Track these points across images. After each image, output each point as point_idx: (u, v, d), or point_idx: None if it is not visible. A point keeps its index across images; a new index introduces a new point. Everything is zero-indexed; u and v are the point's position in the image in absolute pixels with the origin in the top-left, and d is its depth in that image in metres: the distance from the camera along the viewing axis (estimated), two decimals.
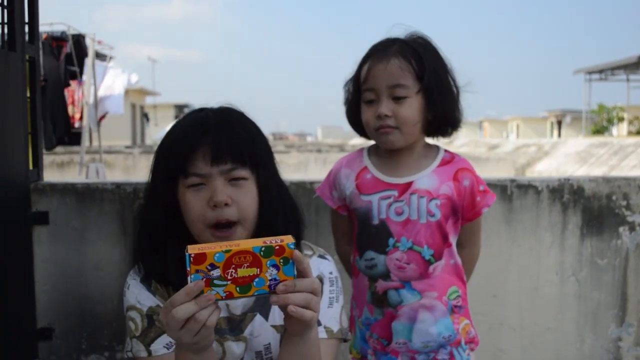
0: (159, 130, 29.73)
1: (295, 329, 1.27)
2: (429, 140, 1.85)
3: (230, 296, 1.16)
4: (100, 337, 2.34)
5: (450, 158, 1.78)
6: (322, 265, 1.56)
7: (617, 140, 17.75)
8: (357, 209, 1.76)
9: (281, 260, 1.17)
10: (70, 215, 2.29)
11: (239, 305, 1.51)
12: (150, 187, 1.53)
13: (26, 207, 2.24)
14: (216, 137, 1.41)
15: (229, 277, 1.15)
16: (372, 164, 1.78)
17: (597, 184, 2.43)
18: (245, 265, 1.15)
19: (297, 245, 1.54)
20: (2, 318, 2.08)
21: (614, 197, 2.43)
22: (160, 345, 1.45)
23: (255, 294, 1.17)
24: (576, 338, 2.46)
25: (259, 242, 1.17)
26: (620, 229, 2.44)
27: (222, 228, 1.42)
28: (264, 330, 1.51)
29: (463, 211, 1.76)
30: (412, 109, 1.67)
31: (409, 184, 1.71)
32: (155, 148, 1.53)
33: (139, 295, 1.49)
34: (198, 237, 1.45)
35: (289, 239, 1.19)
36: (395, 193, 1.72)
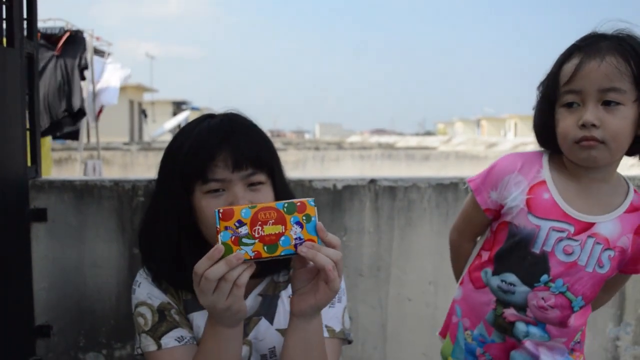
0: (156, 127, 29.71)
1: (304, 308, 1.30)
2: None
3: (258, 256, 1.21)
4: (98, 334, 2.33)
5: (639, 204, 1.51)
6: None
7: None
8: (516, 225, 1.51)
9: (304, 218, 1.22)
10: (68, 212, 2.29)
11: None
12: (161, 192, 1.51)
13: (24, 204, 2.23)
14: (235, 143, 1.41)
15: (256, 235, 1.20)
16: (553, 182, 1.49)
17: None
18: (271, 222, 1.20)
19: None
20: (0, 315, 2.07)
21: None
22: (172, 338, 1.46)
23: (282, 253, 1.21)
24: None
25: (281, 201, 1.24)
26: None
27: None
28: (268, 334, 1.51)
29: (627, 264, 1.55)
30: (626, 120, 1.37)
31: (590, 225, 1.46)
32: (154, 145, 1.53)
33: (150, 292, 1.51)
34: (212, 242, 1.43)
35: (309, 198, 1.25)
36: (572, 229, 1.46)
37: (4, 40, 2.13)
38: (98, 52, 7.40)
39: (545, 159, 1.53)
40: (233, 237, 1.20)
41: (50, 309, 2.32)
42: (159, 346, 1.45)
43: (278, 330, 1.51)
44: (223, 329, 1.31)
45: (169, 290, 1.51)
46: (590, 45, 1.40)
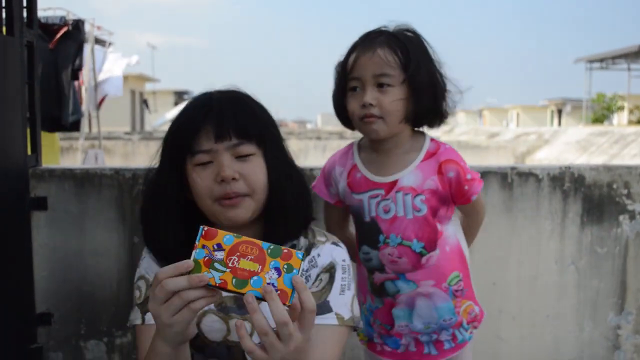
0: (158, 116, 29.68)
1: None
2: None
3: (223, 285, 1.14)
4: (99, 322, 2.33)
5: (435, 149, 1.78)
6: (335, 252, 1.55)
7: (618, 129, 17.74)
8: (351, 206, 1.83)
9: (285, 266, 1.14)
10: (68, 200, 2.29)
11: None
12: (158, 171, 1.54)
13: (24, 193, 2.23)
14: (219, 114, 1.42)
15: (230, 265, 1.13)
16: (361, 162, 1.82)
17: (598, 173, 2.43)
18: (250, 257, 1.14)
19: (308, 227, 1.58)
20: (1, 303, 2.07)
21: (614, 186, 2.43)
22: None
23: (248, 292, 1.13)
24: (575, 326, 2.46)
25: (268, 243, 1.16)
26: (621, 218, 2.43)
27: (230, 198, 1.43)
28: None
29: (453, 199, 1.80)
30: (396, 98, 1.69)
31: (394, 183, 1.75)
32: (155, 134, 1.55)
33: (148, 267, 1.54)
34: (207, 213, 1.47)
35: (299, 251, 1.17)
36: (382, 192, 1.76)
37: (4, 28, 2.12)
38: (99, 41, 7.38)
39: (355, 147, 1.86)
40: (206, 258, 1.14)
41: (51, 297, 2.32)
42: (143, 321, 1.47)
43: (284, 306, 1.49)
44: (163, 345, 1.22)
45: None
46: (366, 41, 1.72)
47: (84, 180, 2.29)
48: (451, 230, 1.82)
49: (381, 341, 1.90)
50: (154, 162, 1.58)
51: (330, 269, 1.52)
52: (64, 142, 12.68)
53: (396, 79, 1.68)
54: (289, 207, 1.50)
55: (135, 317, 1.50)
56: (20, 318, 2.23)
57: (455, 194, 1.78)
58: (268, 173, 1.47)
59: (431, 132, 1.87)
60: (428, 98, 1.72)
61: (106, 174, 2.29)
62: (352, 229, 1.95)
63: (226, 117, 1.42)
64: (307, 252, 1.53)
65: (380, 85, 1.68)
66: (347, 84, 1.74)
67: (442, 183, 1.75)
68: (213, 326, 1.50)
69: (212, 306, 1.48)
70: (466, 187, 1.78)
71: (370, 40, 1.72)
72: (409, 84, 1.69)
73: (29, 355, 2.27)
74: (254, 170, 1.44)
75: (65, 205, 2.29)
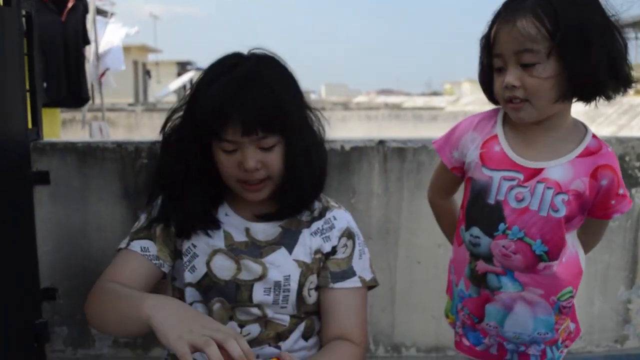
0: (161, 87, 29.55)
1: None
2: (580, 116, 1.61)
3: None
4: None
5: (596, 148, 1.52)
6: (348, 217, 1.63)
7: (627, 99, 17.57)
8: (474, 180, 1.57)
9: None
10: (71, 174, 2.25)
11: (258, 230, 1.54)
12: (178, 139, 1.54)
13: (26, 167, 2.19)
14: (247, 109, 1.40)
15: None
16: (504, 135, 1.55)
17: (610, 145, 2.37)
18: None
19: (318, 196, 1.61)
20: (5, 278, 2.05)
21: (627, 158, 2.38)
22: (139, 245, 1.54)
23: None
24: (585, 300, 2.43)
25: None
26: (633, 191, 2.39)
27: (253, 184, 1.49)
28: (286, 262, 1.53)
29: (592, 209, 1.54)
30: (543, 77, 1.41)
31: (539, 171, 1.49)
32: (159, 106, 1.54)
33: (156, 208, 1.60)
34: (230, 186, 1.52)
35: None
36: (521, 177, 1.50)
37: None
38: (101, 12, 7.28)
39: (500, 115, 1.58)
40: None
41: (55, 272, 2.30)
42: (127, 246, 1.55)
43: (296, 260, 1.54)
44: (139, 323, 1.29)
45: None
46: (507, 10, 1.45)
47: (86, 154, 2.25)
48: (570, 241, 1.58)
49: (462, 332, 1.68)
50: (163, 133, 1.58)
51: (350, 235, 1.59)
52: (67, 114, 12.62)
53: (541, 55, 1.40)
54: (305, 188, 1.53)
55: (124, 240, 1.58)
56: (25, 293, 2.21)
57: (597, 204, 1.52)
58: (288, 158, 1.48)
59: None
60: (589, 67, 1.40)
61: (108, 148, 2.25)
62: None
63: (253, 111, 1.40)
64: (322, 214, 1.58)
65: (523, 64, 1.42)
66: (492, 60, 1.49)
67: (591, 188, 1.49)
68: (223, 264, 1.52)
69: (222, 246, 1.53)
70: (613, 202, 1.53)
71: (512, 9, 1.43)
72: (560, 55, 1.39)
73: (35, 329, 2.26)
74: (276, 160, 1.47)
75: (67, 180, 2.25)
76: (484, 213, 1.54)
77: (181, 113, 1.53)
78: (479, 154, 1.55)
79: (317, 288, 1.56)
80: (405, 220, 2.35)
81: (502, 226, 1.51)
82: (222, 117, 1.40)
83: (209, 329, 1.19)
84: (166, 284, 1.67)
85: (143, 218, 1.60)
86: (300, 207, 1.56)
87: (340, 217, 1.60)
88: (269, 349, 1.51)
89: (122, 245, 1.57)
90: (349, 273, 1.56)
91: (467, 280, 1.62)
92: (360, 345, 1.54)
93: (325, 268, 1.55)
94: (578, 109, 1.59)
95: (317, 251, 1.55)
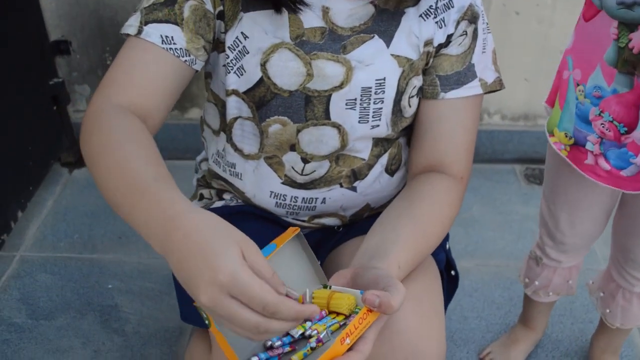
0: None
1: None
2: None
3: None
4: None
5: None
6: None
7: None
8: None
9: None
10: None
11: (341, 11, 0.99)
12: None
13: None
14: None
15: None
16: None
17: None
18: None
19: None
20: (5, 32, 1.68)
21: None
22: (158, 32, 0.94)
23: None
24: None
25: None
26: None
27: None
28: (380, 59, 1.02)
29: None
30: None
31: None
32: None
33: None
34: None
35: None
36: None
37: None
38: None
39: None
40: None
41: (65, 22, 1.91)
42: (139, 31, 0.94)
43: (394, 56, 1.02)
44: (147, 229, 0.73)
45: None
46: None
47: None
48: None
49: (598, 151, 1.15)
50: None
51: (474, 18, 1.04)
52: None
53: None
54: None
55: (131, 23, 0.96)
56: (33, 47, 1.85)
57: None
58: None
59: None
60: None
61: None
62: None
63: None
64: None
65: None
66: None
67: None
68: (287, 67, 1.01)
69: (287, 38, 1.00)
70: None
71: None
72: None
73: (50, 90, 1.93)
74: None
75: None
76: None
77: None
78: None
79: (418, 95, 1.07)
80: None
81: None
82: None
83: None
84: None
85: None
86: None
87: None
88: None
89: (131, 29, 0.95)
90: (467, 76, 1.05)
91: (608, 68, 1.08)
92: (462, 180, 1.07)
93: (431, 69, 1.05)
94: None
95: (428, 42, 1.02)
